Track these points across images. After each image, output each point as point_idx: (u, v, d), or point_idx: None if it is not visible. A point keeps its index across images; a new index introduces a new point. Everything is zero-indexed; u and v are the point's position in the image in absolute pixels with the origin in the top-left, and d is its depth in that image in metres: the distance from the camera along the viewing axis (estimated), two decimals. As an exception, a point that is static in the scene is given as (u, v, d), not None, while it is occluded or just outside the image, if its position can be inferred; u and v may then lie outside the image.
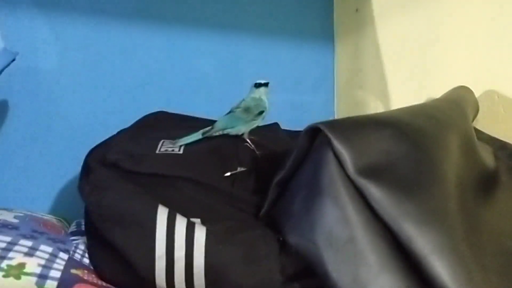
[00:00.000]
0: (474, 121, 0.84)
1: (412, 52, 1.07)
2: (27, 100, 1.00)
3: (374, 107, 1.21)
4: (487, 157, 0.73)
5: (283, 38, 1.26)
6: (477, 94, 0.87)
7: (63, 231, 0.78)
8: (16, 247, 0.57)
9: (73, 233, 0.78)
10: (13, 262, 0.54)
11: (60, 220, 0.85)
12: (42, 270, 0.54)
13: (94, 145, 0.77)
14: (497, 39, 0.85)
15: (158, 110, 0.91)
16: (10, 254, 0.55)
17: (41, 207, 0.95)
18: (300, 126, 1.01)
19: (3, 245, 0.57)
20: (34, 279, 0.52)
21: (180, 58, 1.13)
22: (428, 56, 1.02)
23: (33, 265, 0.55)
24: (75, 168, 1.00)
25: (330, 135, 0.55)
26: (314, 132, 0.58)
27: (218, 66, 1.18)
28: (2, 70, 0.71)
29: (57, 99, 1.03)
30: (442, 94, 0.85)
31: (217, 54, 1.18)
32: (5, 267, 0.52)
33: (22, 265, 0.54)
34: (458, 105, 0.72)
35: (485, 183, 0.67)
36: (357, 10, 1.26)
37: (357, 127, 0.57)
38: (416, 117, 0.62)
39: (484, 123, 0.86)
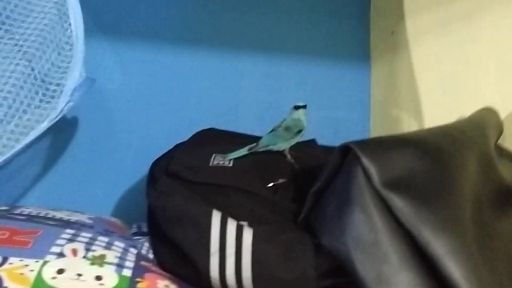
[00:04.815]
0: (502, 140, 0.89)
1: (444, 73, 1.09)
2: (93, 116, 1.11)
3: (408, 124, 1.21)
4: (508, 174, 0.81)
5: (321, 59, 1.30)
6: (505, 113, 0.91)
7: (127, 232, 0.90)
8: (97, 242, 0.69)
9: (135, 234, 0.88)
10: (96, 254, 0.65)
11: (123, 223, 0.97)
12: (119, 261, 0.66)
13: (150, 155, 0.89)
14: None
15: (206, 125, 1.01)
16: (93, 247, 0.67)
17: (105, 211, 1.07)
18: (337, 142, 1.08)
19: (86, 239, 0.69)
20: (113, 267, 0.64)
21: (226, 79, 1.22)
22: (459, 77, 1.05)
23: (111, 256, 0.66)
24: (135, 176, 1.13)
25: (359, 153, 0.64)
26: (346, 150, 0.67)
27: (260, 86, 1.24)
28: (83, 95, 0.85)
29: (119, 114, 1.14)
30: (470, 113, 0.90)
31: (259, 75, 1.24)
32: (91, 257, 0.64)
33: (103, 256, 0.65)
34: (479, 126, 0.79)
35: (504, 197, 0.75)
36: (392, 33, 1.30)
37: (383, 146, 0.67)
38: (436, 137, 0.71)
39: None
